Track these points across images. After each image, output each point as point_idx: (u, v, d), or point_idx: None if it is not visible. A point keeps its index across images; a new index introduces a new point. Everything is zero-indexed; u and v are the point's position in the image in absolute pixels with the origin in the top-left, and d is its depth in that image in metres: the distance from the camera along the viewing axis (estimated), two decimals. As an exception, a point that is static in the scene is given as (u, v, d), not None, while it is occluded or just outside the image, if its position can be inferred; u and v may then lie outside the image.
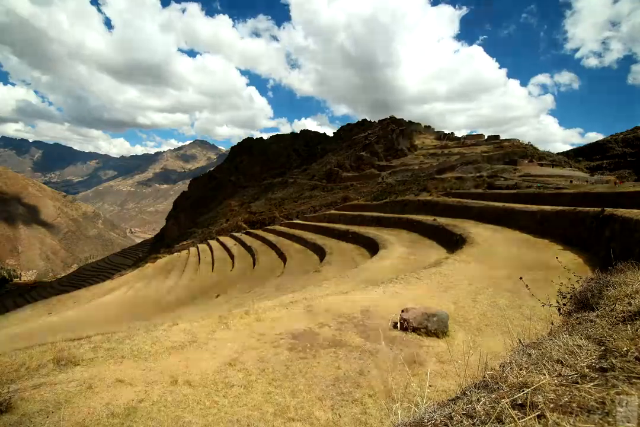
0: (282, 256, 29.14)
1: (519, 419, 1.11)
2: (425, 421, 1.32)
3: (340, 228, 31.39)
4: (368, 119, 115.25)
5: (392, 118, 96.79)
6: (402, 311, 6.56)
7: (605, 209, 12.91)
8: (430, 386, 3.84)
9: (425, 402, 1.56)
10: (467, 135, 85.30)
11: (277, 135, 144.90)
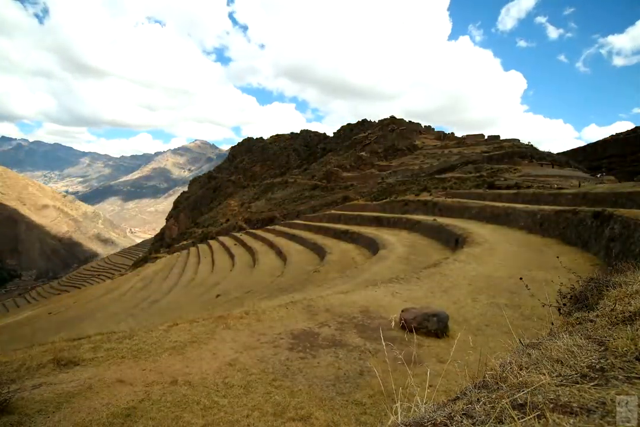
0: (282, 256, 29.14)
1: (519, 419, 1.11)
2: (425, 421, 1.32)
3: (340, 228, 31.37)
4: (368, 119, 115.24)
5: (392, 118, 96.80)
6: (402, 311, 6.56)
7: (605, 209, 12.91)
8: (430, 386, 3.84)
9: (425, 403, 1.56)
10: (467, 135, 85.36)
11: (277, 135, 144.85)
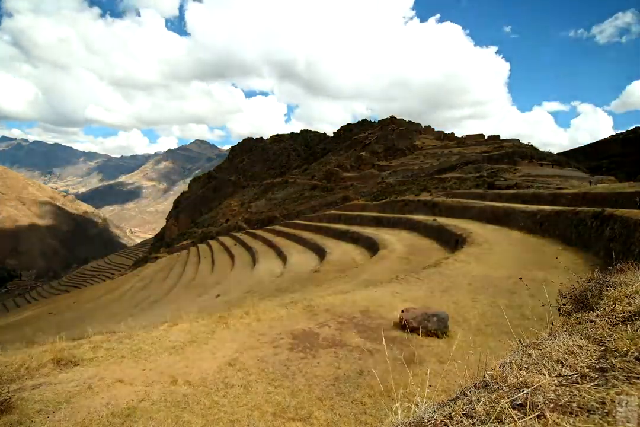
0: (282, 256, 29.15)
1: (519, 419, 1.11)
2: (425, 421, 1.32)
3: (340, 228, 31.39)
4: (368, 119, 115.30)
5: (392, 118, 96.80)
6: (402, 311, 6.56)
7: (605, 209, 12.91)
8: (430, 386, 3.84)
9: (425, 402, 1.56)
10: (467, 135, 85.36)
11: (277, 135, 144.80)
